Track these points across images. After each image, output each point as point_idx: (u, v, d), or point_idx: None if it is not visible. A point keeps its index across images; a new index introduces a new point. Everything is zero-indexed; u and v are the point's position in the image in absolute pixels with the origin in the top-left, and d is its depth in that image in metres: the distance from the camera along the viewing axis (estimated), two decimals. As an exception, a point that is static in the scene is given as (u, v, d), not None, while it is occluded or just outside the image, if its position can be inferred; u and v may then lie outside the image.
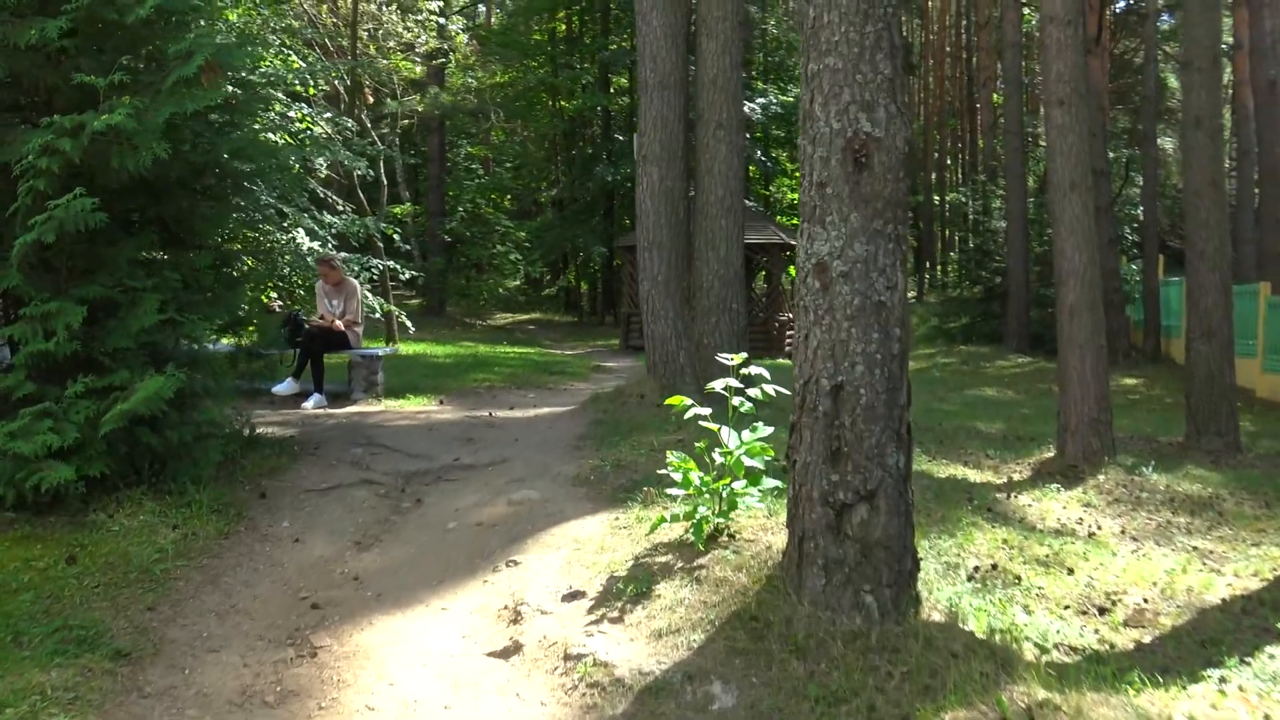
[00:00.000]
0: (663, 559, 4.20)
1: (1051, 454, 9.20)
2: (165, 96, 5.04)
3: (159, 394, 4.83)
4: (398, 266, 14.95)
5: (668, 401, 4.54)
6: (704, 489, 4.30)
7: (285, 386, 8.86)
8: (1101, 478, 8.17)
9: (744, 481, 4.32)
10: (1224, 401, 9.12)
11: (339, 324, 9.06)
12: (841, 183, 3.49)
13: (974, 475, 8.16)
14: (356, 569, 4.66)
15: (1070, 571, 5.06)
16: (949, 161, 45.41)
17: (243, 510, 5.27)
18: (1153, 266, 20.06)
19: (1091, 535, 6.23)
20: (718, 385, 4.29)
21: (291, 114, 14.13)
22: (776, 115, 27.56)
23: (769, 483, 4.35)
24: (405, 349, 16.05)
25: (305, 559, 4.77)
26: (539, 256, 30.41)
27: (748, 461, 4.22)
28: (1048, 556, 5.27)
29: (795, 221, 29.27)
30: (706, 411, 4.35)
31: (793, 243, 22.80)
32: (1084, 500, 7.55)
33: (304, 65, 13.82)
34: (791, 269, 26.13)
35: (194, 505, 5.09)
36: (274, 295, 13.74)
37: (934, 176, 42.34)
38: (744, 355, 4.39)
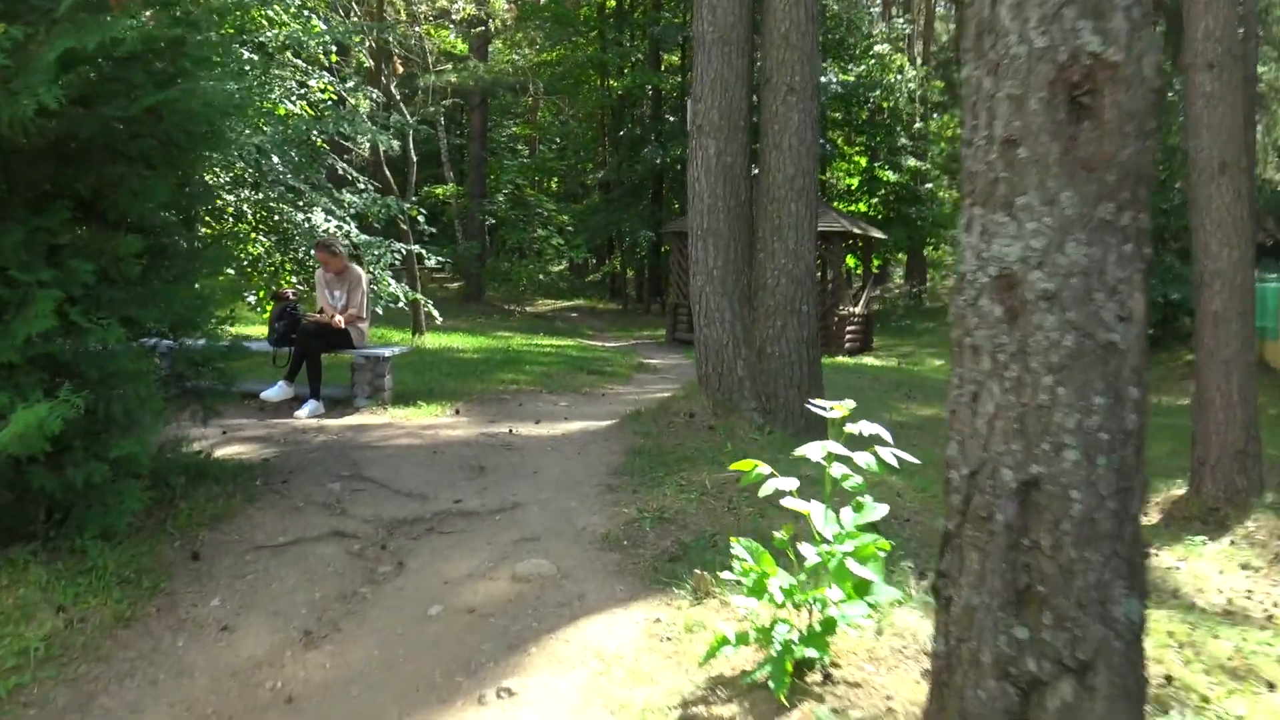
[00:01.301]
0: (724, 711, 2.78)
1: (1181, 490, 7.78)
2: (61, 28, 3.75)
3: (42, 429, 3.54)
4: (423, 251, 13.64)
5: (734, 466, 3.10)
6: (788, 599, 2.88)
7: (276, 391, 7.56)
8: (1251, 525, 6.81)
9: (842, 591, 2.88)
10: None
11: (340, 319, 7.74)
12: (1047, 139, 2.04)
13: (1094, 520, 6.82)
14: (294, 682, 3.33)
15: (1271, 687, 3.85)
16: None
17: (162, 580, 3.95)
18: (1249, 264, 18.40)
19: (1270, 618, 5.03)
20: (812, 451, 2.82)
21: (312, 82, 12.93)
22: (836, 95, 26.00)
23: (885, 593, 2.88)
24: (431, 340, 14.78)
25: (227, 663, 3.44)
26: (583, 241, 29.03)
27: (855, 568, 2.76)
28: (1233, 660, 4.05)
29: (855, 208, 27.72)
30: (791, 485, 2.90)
31: (855, 230, 20.87)
32: (1239, 558, 6.23)
33: (324, 29, 12.52)
34: (851, 259, 24.19)
35: (96, 573, 3.80)
36: (292, 280, 12.56)
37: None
38: (851, 404, 2.91)
